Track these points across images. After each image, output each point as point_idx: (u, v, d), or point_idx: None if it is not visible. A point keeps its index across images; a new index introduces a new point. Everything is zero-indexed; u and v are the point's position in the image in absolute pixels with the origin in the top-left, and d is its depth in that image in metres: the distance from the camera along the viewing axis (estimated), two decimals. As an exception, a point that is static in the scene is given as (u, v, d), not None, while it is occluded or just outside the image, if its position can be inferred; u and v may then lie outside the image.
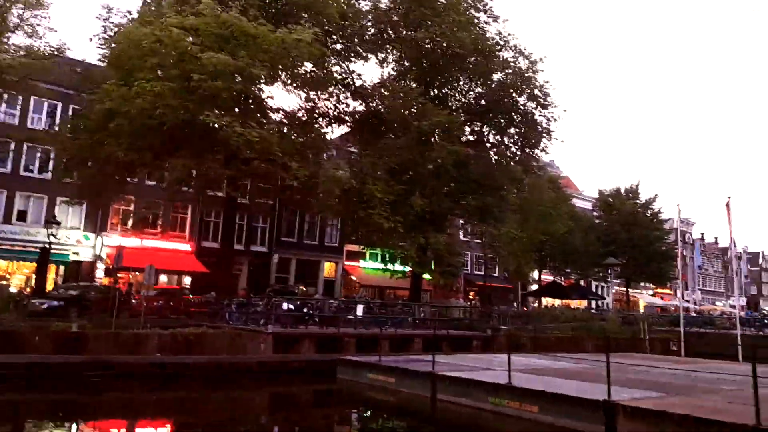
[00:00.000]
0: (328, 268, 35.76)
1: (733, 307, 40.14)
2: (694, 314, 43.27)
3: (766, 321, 36.59)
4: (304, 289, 31.99)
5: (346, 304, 24.05)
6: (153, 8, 21.31)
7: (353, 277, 36.37)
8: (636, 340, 26.26)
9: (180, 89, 17.73)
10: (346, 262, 36.34)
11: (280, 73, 21.35)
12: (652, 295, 63.34)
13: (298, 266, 33.95)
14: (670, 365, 17.36)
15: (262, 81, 20.01)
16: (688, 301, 52.09)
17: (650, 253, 44.78)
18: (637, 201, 47.64)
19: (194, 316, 21.05)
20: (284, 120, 22.86)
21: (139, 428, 11.30)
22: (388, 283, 35.09)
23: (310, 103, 23.13)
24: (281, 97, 49.34)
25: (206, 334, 17.37)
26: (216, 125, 18.25)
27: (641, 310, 51.18)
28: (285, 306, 20.81)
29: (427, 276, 28.69)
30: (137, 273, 26.26)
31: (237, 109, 20.17)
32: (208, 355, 16.38)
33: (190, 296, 25.76)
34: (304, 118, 23.22)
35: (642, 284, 57.88)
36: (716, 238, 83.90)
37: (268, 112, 22.23)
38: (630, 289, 53.64)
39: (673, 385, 12.36)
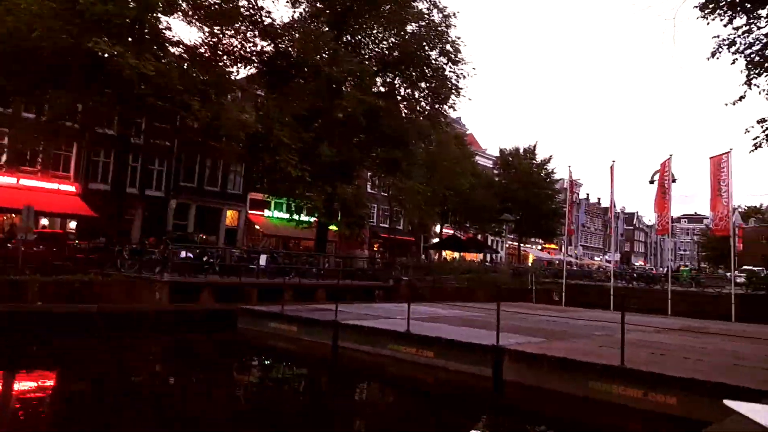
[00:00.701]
0: (230, 217, 34.60)
1: (609, 261, 44.47)
2: (576, 268, 47.35)
3: (635, 275, 40.85)
4: (205, 237, 30.83)
5: (248, 254, 23.53)
6: None
7: (257, 227, 35.52)
8: (524, 291, 28.35)
9: (63, 10, 15.73)
10: (250, 211, 35.33)
11: (180, 2, 19.63)
12: (540, 250, 68.31)
13: (198, 213, 32.48)
14: (552, 314, 18.97)
15: (159, 9, 18.29)
16: (570, 256, 56.85)
17: (542, 210, 47.96)
18: (534, 161, 50.41)
19: (81, 264, 19.58)
20: (184, 55, 21.12)
21: (19, 382, 10.45)
22: (293, 234, 34.71)
23: (213, 39, 21.52)
24: (182, 30, 45.58)
25: (96, 282, 16.28)
26: (106, 55, 16.53)
27: (530, 264, 55.14)
28: (183, 254, 19.96)
29: (333, 227, 28.69)
30: (13, 215, 23.82)
31: (130, 39, 18.34)
32: (98, 305, 15.40)
33: (76, 242, 23.87)
34: (206, 55, 21.61)
35: (533, 239, 62.10)
36: (599, 198, 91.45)
37: (167, 45, 20.42)
38: (522, 244, 57.43)
39: (553, 332, 13.50)
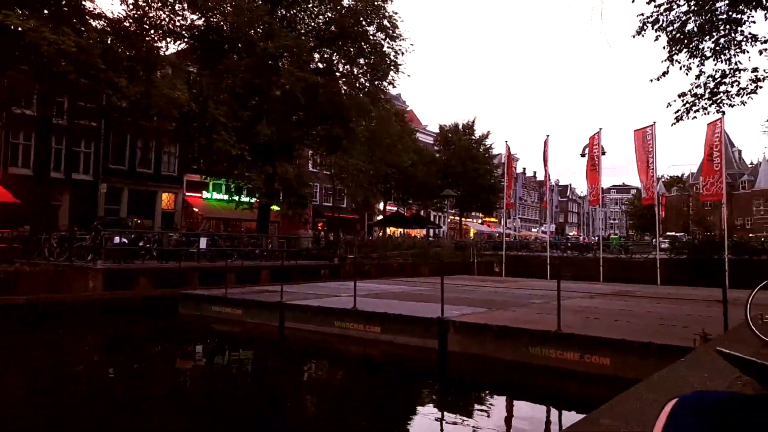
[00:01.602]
0: (166, 200, 33.30)
1: (545, 233, 46.29)
2: (515, 240, 49.02)
3: (569, 244, 42.77)
4: (139, 221, 29.55)
5: (188, 237, 22.80)
6: None
7: (195, 209, 34.41)
8: (466, 264, 29.09)
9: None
10: (187, 193, 34.14)
11: (101, -29, 18.40)
12: (481, 224, 70.17)
13: (131, 197, 31.05)
14: (493, 285, 19.60)
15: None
16: (509, 229, 58.73)
17: (481, 185, 49.09)
18: (473, 137, 51.32)
19: (5, 253, 18.35)
20: (108, 29, 19.88)
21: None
22: (233, 215, 33.89)
23: (138, 12, 20.35)
24: (104, 2, 42.81)
25: (22, 272, 15.33)
26: (20, 29, 15.29)
27: (472, 237, 56.55)
28: (117, 239, 19.08)
29: (275, 207, 28.22)
30: None
31: (46, 12, 17.04)
32: (25, 296, 14.53)
33: (-3, 231, 22.33)
34: (132, 29, 20.44)
35: (473, 214, 63.63)
36: (535, 172, 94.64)
37: (88, 18, 19.14)
38: (463, 219, 58.74)
39: (494, 302, 13.95)
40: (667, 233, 49.63)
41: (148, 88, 18.02)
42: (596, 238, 54.68)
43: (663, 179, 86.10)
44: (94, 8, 19.36)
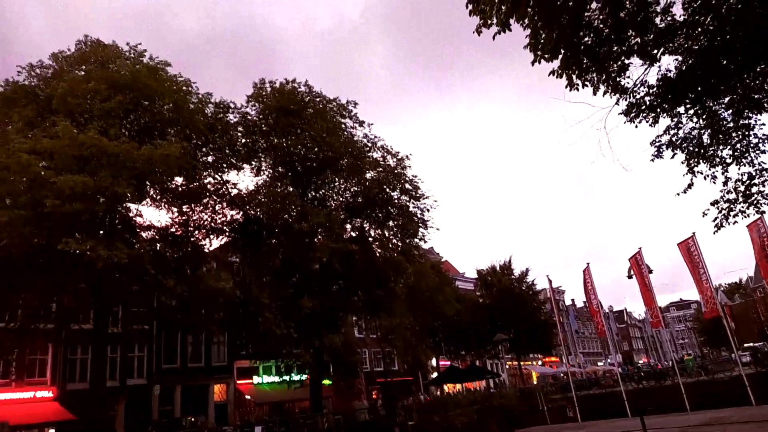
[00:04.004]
0: (218, 391, 32.87)
1: (612, 365, 43.16)
2: (582, 377, 45.67)
3: (642, 373, 39.55)
4: (193, 419, 28.96)
5: (242, 430, 22.02)
6: (-3, 135, 19.72)
7: (247, 397, 33.68)
8: (534, 411, 26.89)
9: (31, 216, 16.16)
10: (238, 381, 33.74)
11: (148, 189, 20.51)
12: (541, 365, 66.15)
13: (184, 394, 30.78)
14: (571, 432, 17.88)
15: (128, 199, 19.01)
16: (573, 366, 55.16)
17: (533, 324, 47.28)
18: (513, 276, 50.79)
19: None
20: (156, 237, 21.60)
21: None
22: (285, 397, 32.97)
23: (183, 217, 22.24)
24: (152, 214, 46.99)
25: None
26: (77, 251, 16.72)
27: (535, 382, 52.99)
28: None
29: (326, 381, 27.49)
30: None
31: (102, 231, 18.75)
32: None
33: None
34: (178, 233, 22.16)
35: (532, 356, 60.41)
36: (584, 301, 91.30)
37: (138, 230, 20.94)
38: (522, 363, 55.66)
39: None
40: (745, 344, 45.80)
41: (195, 284, 18.93)
42: (669, 362, 50.68)
43: (722, 288, 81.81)
44: (144, 221, 21.29)
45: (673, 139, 13.84)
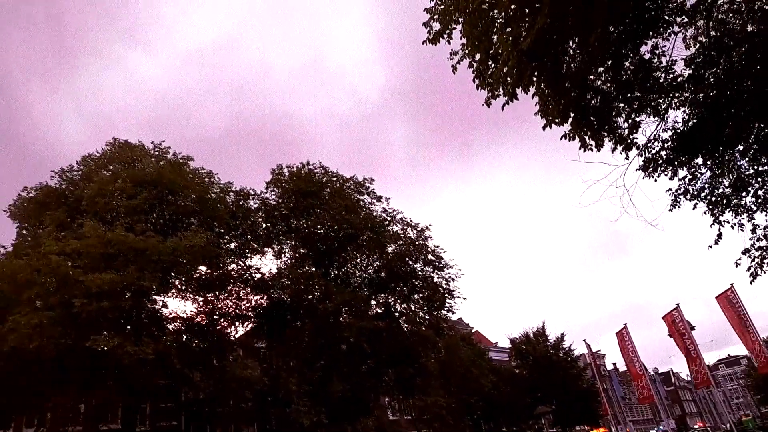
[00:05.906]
0: (249, 487, 31.31)
1: (666, 431, 40.31)
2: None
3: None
4: None
5: None
6: (30, 239, 20.39)
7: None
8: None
9: (61, 316, 16.33)
10: (270, 475, 32.20)
11: (173, 280, 20.71)
12: (590, 437, 62.04)
13: (215, 492, 29.38)
14: None
15: (153, 291, 19.17)
16: (625, 436, 51.56)
17: (574, 393, 44.91)
18: (548, 342, 48.89)
19: None
20: (182, 327, 21.54)
21: None
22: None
23: (208, 306, 22.25)
24: (177, 305, 47.14)
25: None
26: (105, 348, 16.70)
27: (585, 456, 49.56)
28: None
29: (362, 471, 26.09)
30: None
31: (129, 327, 18.79)
32: None
33: None
34: (203, 323, 22.08)
35: (578, 427, 56.91)
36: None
37: (164, 322, 20.94)
38: (568, 435, 52.34)
39: None
40: (808, 399, 42.68)
41: (222, 374, 18.61)
42: (726, 424, 47.23)
43: (771, 338, 77.31)
44: (170, 313, 21.32)
45: (689, 188, 13.66)
